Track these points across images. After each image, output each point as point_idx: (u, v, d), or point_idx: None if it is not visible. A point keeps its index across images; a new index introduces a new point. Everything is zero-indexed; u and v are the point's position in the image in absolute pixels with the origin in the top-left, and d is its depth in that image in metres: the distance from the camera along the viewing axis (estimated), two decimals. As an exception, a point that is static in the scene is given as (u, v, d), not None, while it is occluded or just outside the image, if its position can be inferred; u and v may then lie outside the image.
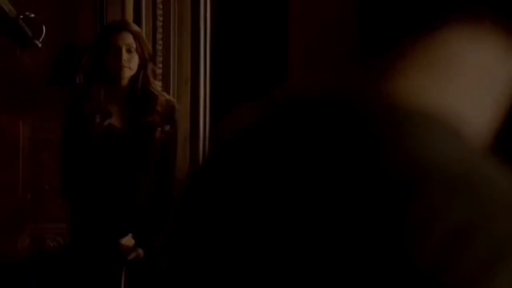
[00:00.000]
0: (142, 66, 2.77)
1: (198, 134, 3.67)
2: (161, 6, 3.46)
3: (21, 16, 3.31)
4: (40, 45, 3.35)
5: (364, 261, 0.44)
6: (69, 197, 2.84)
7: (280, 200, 0.48)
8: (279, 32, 5.15)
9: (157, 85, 2.89)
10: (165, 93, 2.96)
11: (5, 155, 3.52)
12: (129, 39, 2.77)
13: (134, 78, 2.77)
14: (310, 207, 0.46)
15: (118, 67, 2.73)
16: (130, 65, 2.75)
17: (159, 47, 3.47)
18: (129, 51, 2.75)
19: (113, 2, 3.44)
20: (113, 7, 3.46)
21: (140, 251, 2.79)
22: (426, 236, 0.43)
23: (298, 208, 0.47)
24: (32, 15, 3.34)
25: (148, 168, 2.77)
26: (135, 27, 2.88)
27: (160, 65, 3.48)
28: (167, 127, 2.80)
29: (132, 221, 2.77)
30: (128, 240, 2.77)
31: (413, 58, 0.53)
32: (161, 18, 3.47)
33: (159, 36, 3.46)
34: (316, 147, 0.50)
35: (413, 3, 0.54)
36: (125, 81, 2.76)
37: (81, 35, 3.47)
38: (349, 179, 0.47)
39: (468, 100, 0.51)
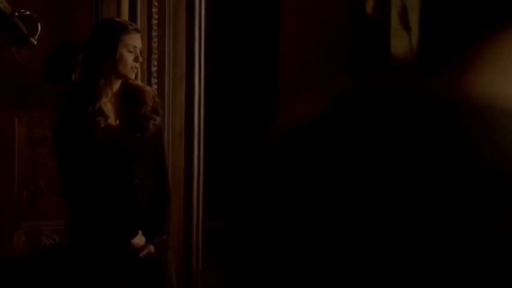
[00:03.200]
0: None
1: (193, 130, 3.67)
2: (156, 4, 3.46)
3: (17, 14, 3.31)
4: (35, 42, 3.35)
5: None
6: (72, 198, 2.83)
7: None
8: (272, 29, 5.15)
9: (139, 79, 2.96)
10: (148, 86, 3.02)
11: (0, 153, 3.53)
12: (140, 40, 2.84)
13: None
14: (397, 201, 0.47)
15: (133, 68, 2.78)
16: (138, 66, 2.84)
17: (154, 45, 3.47)
18: (140, 52, 2.83)
19: (109, 0, 3.45)
20: (108, 4, 3.47)
21: (151, 247, 2.80)
22: None
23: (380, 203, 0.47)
24: (28, 13, 3.35)
25: (147, 161, 2.79)
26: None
27: (155, 63, 3.49)
28: (158, 120, 2.84)
29: (137, 217, 2.78)
30: (139, 239, 2.77)
31: (481, 55, 0.55)
32: (156, 16, 3.48)
33: (154, 33, 3.47)
34: (403, 138, 0.51)
35: (479, 10, 0.57)
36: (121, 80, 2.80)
37: (77, 33, 3.47)
38: (440, 170, 0.47)
39: None
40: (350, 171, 0.53)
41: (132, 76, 2.79)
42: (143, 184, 2.79)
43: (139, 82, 2.92)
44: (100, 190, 2.72)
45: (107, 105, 2.76)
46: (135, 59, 2.77)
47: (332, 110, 0.57)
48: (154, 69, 3.48)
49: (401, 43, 4.81)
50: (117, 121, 2.78)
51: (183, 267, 3.69)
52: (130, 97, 2.80)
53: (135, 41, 2.78)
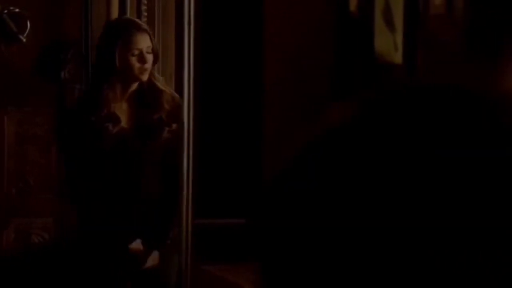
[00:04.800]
0: (153, 64, 2.70)
1: (182, 128, 3.67)
2: (145, 2, 3.48)
3: (5, 11, 3.31)
4: (25, 40, 3.35)
5: None
6: (78, 202, 2.75)
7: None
8: (256, 27, 5.17)
9: (161, 79, 2.76)
10: (170, 88, 2.82)
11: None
12: (148, 40, 2.67)
13: None
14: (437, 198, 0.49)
15: (141, 71, 2.62)
16: (150, 66, 2.66)
17: (144, 43, 3.48)
18: (147, 52, 2.66)
19: (98, -2, 3.46)
20: (98, 2, 3.47)
21: (156, 255, 2.74)
22: None
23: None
24: (17, 10, 3.34)
25: (156, 168, 2.68)
26: (146, 26, 2.78)
27: (145, 61, 3.50)
28: (174, 126, 2.68)
29: (142, 224, 2.70)
30: (137, 245, 2.70)
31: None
32: (145, 14, 3.49)
33: (143, 31, 3.48)
34: (450, 134, 0.52)
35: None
36: (138, 82, 2.66)
37: (67, 30, 3.48)
38: (484, 167, 0.49)
39: None
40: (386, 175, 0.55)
41: (143, 78, 2.63)
42: (146, 190, 2.70)
43: (160, 83, 2.74)
44: (101, 195, 2.66)
45: (121, 108, 2.64)
46: (140, 61, 2.62)
47: (369, 113, 0.59)
48: (143, 67, 3.49)
49: (385, 41, 4.85)
50: (129, 125, 2.65)
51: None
52: (147, 99, 2.67)
53: (140, 42, 2.63)
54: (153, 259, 2.75)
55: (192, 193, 3.78)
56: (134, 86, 2.65)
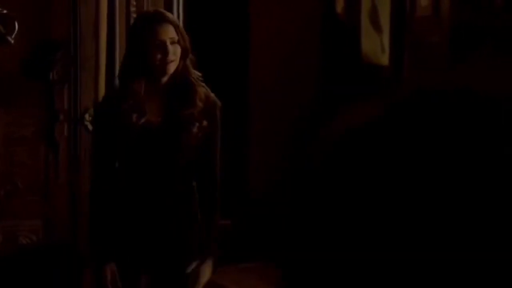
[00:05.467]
0: (183, 57, 2.58)
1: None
2: (134, 3, 3.47)
3: (-7, 12, 3.29)
4: (13, 41, 3.33)
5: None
6: (99, 200, 2.62)
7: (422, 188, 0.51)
8: (242, 28, 5.17)
9: (197, 75, 2.65)
10: (206, 87, 2.69)
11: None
12: (171, 31, 2.56)
13: (175, 69, 2.59)
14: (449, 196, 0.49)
15: (164, 63, 2.53)
16: (176, 58, 2.55)
17: (133, 44, 3.48)
18: (172, 43, 2.55)
19: (87, -1, 3.45)
20: (86, 3, 3.46)
21: (209, 264, 2.62)
22: None
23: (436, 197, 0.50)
24: (5, 11, 3.32)
25: (188, 165, 2.58)
26: (173, 17, 2.69)
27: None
28: (204, 123, 2.58)
29: (172, 222, 2.58)
30: (109, 270, 2.55)
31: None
32: (134, 15, 3.48)
33: (132, 32, 3.47)
34: (462, 134, 0.53)
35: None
36: (168, 76, 2.57)
37: (55, 30, 3.46)
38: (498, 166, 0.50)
39: None
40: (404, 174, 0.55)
41: (168, 70, 2.53)
42: (177, 186, 2.58)
43: (197, 77, 2.64)
44: (133, 190, 2.56)
45: (151, 102, 2.56)
46: (162, 53, 2.52)
47: (386, 115, 0.60)
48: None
49: (372, 43, 4.87)
50: (158, 118, 2.57)
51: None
52: (179, 94, 2.58)
53: (161, 33, 2.53)
54: (208, 269, 2.63)
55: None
56: (165, 79, 2.58)
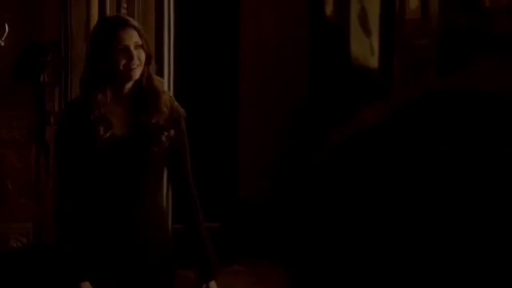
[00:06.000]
0: (147, 63, 2.51)
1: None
2: (125, 5, 3.48)
3: (-16, 15, 3.30)
4: (3, 43, 3.34)
5: None
6: (65, 220, 2.50)
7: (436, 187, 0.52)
8: (232, 30, 5.19)
9: (160, 82, 2.59)
10: (170, 94, 2.62)
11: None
12: (135, 36, 2.48)
13: (139, 77, 2.50)
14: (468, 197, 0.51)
15: (128, 68, 2.45)
16: (141, 63, 2.47)
17: (124, 46, 3.48)
18: (136, 48, 2.47)
19: (78, 2, 3.45)
20: (77, 5, 3.47)
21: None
22: None
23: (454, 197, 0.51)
24: (-5, 14, 3.33)
25: (152, 175, 2.49)
26: (136, 22, 2.58)
27: (125, 64, 3.50)
28: (172, 131, 2.51)
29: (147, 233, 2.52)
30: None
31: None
32: (126, 17, 3.49)
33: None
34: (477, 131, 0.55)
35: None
36: (132, 82, 2.48)
37: (45, 33, 3.47)
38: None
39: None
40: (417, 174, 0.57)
41: (133, 76, 2.46)
42: (150, 198, 2.51)
43: (160, 84, 2.56)
44: (100, 203, 2.47)
45: (116, 112, 2.47)
46: (127, 58, 2.45)
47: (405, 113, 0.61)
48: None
49: (361, 46, 4.89)
50: (124, 129, 2.48)
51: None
52: (144, 102, 2.49)
53: (125, 38, 2.47)
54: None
55: (172, 199, 3.78)
56: (129, 86, 2.51)
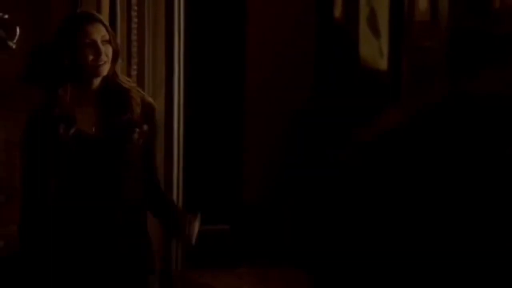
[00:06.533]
0: (114, 59, 2.44)
1: (172, 135, 3.69)
2: (136, 8, 3.49)
3: (-5, 18, 3.30)
4: (14, 46, 3.34)
5: None
6: (33, 230, 2.44)
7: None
8: (240, 31, 5.19)
9: (126, 79, 2.51)
10: (139, 89, 2.55)
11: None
12: (103, 30, 2.42)
13: (106, 74, 2.44)
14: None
15: (96, 64, 2.38)
16: (108, 59, 2.40)
17: (134, 49, 3.49)
18: (104, 43, 2.41)
19: (88, 3, 3.45)
20: (87, 8, 3.47)
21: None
22: None
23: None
24: (6, 16, 3.33)
25: (128, 174, 2.42)
26: (103, 17, 2.54)
27: (135, 67, 3.51)
28: (145, 127, 2.45)
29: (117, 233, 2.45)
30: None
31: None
32: (136, 20, 3.50)
33: (134, 37, 3.49)
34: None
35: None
36: (100, 78, 2.41)
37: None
38: None
39: None
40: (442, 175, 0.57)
41: (101, 72, 2.38)
42: (127, 192, 2.44)
43: (127, 82, 2.49)
44: (70, 205, 2.38)
45: (83, 110, 2.40)
46: (94, 53, 2.38)
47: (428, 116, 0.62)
48: (134, 73, 3.50)
49: (370, 47, 4.89)
50: (94, 127, 2.42)
51: (162, 270, 3.71)
52: (113, 100, 2.43)
53: (92, 32, 2.39)
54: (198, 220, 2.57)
55: (182, 202, 3.79)
56: (96, 84, 2.42)
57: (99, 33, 2.41)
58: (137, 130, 2.44)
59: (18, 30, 3.35)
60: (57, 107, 2.39)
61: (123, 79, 2.49)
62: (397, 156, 0.60)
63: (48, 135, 2.37)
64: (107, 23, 2.48)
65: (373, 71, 4.75)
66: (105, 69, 2.41)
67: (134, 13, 3.48)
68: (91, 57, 2.39)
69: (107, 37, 2.42)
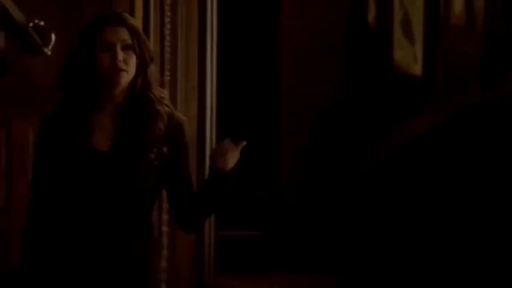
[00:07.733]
0: (141, 69, 2.17)
1: (205, 141, 3.70)
2: (169, 14, 3.50)
3: (31, 24, 3.33)
4: (49, 53, 3.37)
5: None
6: (34, 242, 2.18)
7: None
8: (272, 36, 5.19)
9: (160, 92, 2.24)
10: (170, 105, 2.26)
11: (16, 163, 3.54)
12: (124, 34, 2.14)
13: (132, 84, 2.17)
14: None
15: (112, 69, 2.13)
16: (128, 67, 2.14)
17: (167, 55, 3.50)
18: (125, 49, 2.15)
19: (122, 10, 3.48)
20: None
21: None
22: None
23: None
24: (42, 23, 3.36)
25: (138, 197, 2.18)
26: (132, 20, 2.21)
27: (168, 73, 3.51)
28: (165, 149, 2.19)
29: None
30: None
31: None
32: (169, 26, 3.51)
33: (167, 43, 3.49)
34: None
35: None
36: (120, 88, 2.16)
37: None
38: None
39: None
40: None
41: (119, 79, 2.14)
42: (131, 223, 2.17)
43: (159, 94, 2.22)
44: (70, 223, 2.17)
45: (100, 122, 2.19)
46: (111, 57, 2.13)
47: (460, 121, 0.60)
48: (167, 79, 3.51)
49: (404, 53, 4.86)
50: (108, 143, 2.18)
51: (195, 276, 3.71)
52: (137, 113, 2.18)
53: (110, 35, 2.14)
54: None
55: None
56: (117, 95, 2.19)
57: (119, 37, 2.14)
58: (155, 150, 2.19)
59: (53, 36, 3.37)
60: (68, 114, 2.20)
61: (156, 92, 2.22)
62: (432, 159, 0.58)
63: (55, 141, 2.19)
64: (136, 27, 2.21)
65: (407, 76, 4.71)
66: (123, 78, 2.15)
67: (167, 19, 3.49)
68: (107, 62, 2.14)
69: (129, 42, 2.15)
